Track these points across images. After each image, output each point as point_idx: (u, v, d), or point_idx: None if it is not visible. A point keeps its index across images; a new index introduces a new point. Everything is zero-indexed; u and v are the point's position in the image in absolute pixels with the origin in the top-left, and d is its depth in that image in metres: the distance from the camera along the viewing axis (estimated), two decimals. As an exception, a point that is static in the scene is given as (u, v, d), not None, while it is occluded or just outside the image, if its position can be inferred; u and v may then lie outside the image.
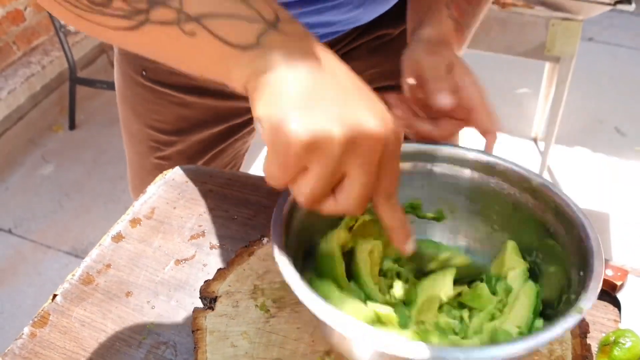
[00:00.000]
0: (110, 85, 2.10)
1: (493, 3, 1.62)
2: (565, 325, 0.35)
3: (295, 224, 0.42)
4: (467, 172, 0.49)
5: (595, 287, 0.37)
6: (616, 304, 0.55)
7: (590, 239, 0.40)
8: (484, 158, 0.48)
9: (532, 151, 2.14)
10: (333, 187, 0.36)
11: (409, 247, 0.41)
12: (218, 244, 0.62)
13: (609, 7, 1.45)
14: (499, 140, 0.52)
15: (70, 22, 0.42)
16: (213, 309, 0.46)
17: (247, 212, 0.66)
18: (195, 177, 0.72)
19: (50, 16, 2.27)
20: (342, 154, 0.34)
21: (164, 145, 0.87)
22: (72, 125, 2.24)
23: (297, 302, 0.36)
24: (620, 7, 1.41)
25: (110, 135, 2.20)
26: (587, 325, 0.49)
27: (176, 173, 0.73)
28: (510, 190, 0.47)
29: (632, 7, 1.44)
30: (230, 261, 0.51)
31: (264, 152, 0.37)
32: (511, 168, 0.47)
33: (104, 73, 2.44)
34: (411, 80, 0.54)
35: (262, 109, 0.35)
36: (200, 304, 0.52)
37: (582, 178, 2.03)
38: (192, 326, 0.45)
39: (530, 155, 2.11)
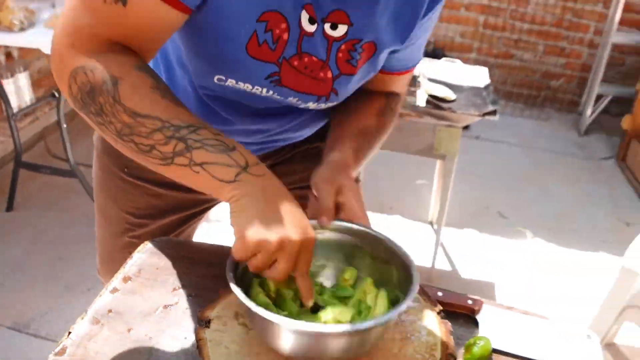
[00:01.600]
0: (54, 171, 2.27)
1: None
2: (399, 308, 0.62)
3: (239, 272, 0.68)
4: (342, 237, 0.77)
5: (413, 293, 0.65)
6: (475, 322, 0.84)
7: (412, 270, 0.68)
8: (348, 225, 0.76)
9: (429, 232, 2.50)
10: (270, 264, 0.64)
11: (310, 303, 0.69)
12: (195, 294, 0.85)
13: (478, 118, 1.86)
14: (400, 224, 0.81)
15: (127, 154, 0.69)
16: (209, 327, 0.70)
17: (215, 270, 0.90)
18: (170, 246, 0.95)
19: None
20: (274, 251, 0.62)
21: (137, 227, 1.08)
22: (9, 207, 2.35)
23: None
24: (488, 117, 1.83)
25: (47, 217, 2.33)
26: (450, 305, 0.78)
27: (154, 243, 0.96)
28: (367, 247, 0.76)
29: (497, 118, 1.86)
30: (218, 297, 0.76)
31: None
32: (365, 231, 0.76)
33: (41, 158, 2.60)
34: (314, 193, 0.80)
35: (233, 220, 0.64)
36: (185, 335, 0.74)
37: (472, 254, 2.40)
38: (196, 336, 0.68)
39: (427, 236, 2.46)
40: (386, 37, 0.81)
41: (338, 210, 0.77)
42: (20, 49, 2.49)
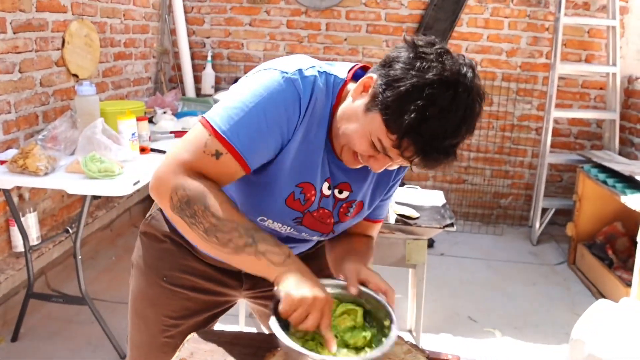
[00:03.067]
0: (66, 299, 2.46)
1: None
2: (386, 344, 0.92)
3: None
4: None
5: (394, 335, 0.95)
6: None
7: (393, 323, 0.99)
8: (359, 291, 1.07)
9: (409, 340, 2.72)
10: (303, 320, 0.94)
11: (334, 349, 0.97)
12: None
13: (440, 230, 2.21)
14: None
15: (201, 247, 1.01)
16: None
17: (250, 349, 1.14)
18: (211, 336, 1.19)
19: (10, 239, 2.67)
20: (310, 304, 0.93)
21: (172, 328, 1.32)
22: (14, 338, 2.49)
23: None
24: (447, 229, 2.17)
25: (52, 346, 2.47)
26: None
27: (199, 334, 1.20)
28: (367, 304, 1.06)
29: (454, 229, 2.20)
30: (263, 358, 1.01)
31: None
32: (367, 292, 1.07)
33: (41, 290, 2.77)
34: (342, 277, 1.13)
35: (282, 288, 0.95)
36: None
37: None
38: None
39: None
40: (370, 198, 1.22)
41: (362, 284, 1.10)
42: (31, 192, 2.78)
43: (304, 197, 1.12)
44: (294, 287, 0.94)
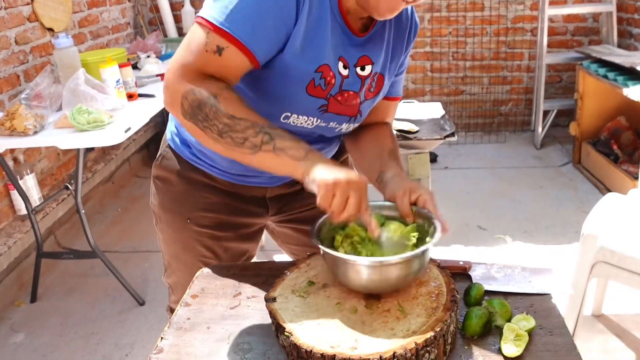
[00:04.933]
0: (77, 254, 2.47)
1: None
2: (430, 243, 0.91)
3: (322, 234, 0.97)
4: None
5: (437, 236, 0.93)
6: (468, 277, 1.09)
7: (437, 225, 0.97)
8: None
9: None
10: (344, 206, 0.90)
11: (377, 233, 0.95)
12: (251, 296, 1.08)
13: (441, 141, 2.17)
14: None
15: (217, 150, 0.98)
16: (275, 302, 0.93)
17: (260, 278, 1.13)
18: (220, 270, 1.18)
19: (12, 204, 2.66)
20: (346, 186, 0.89)
21: (206, 258, 1.30)
22: (33, 299, 2.52)
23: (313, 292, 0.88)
24: (448, 139, 2.13)
25: (71, 302, 2.51)
26: (448, 269, 1.03)
27: (207, 270, 1.19)
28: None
29: (455, 138, 2.16)
30: (275, 283, 1.00)
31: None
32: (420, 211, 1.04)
33: (52, 249, 2.80)
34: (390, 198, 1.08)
35: (312, 180, 0.90)
36: (251, 323, 0.97)
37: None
38: (268, 308, 0.92)
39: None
40: (389, 68, 1.16)
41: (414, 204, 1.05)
42: (25, 154, 2.74)
43: (325, 81, 1.05)
44: (324, 173, 0.90)
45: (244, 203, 1.27)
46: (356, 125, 1.20)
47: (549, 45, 3.99)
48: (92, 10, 3.54)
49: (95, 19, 3.58)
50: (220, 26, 0.94)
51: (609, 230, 1.72)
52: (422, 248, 0.92)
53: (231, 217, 1.27)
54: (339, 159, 1.37)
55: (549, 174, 3.61)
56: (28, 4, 2.85)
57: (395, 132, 2.26)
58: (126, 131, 2.13)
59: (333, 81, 1.06)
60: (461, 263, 1.12)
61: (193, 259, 1.29)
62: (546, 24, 3.75)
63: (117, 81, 2.43)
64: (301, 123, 1.11)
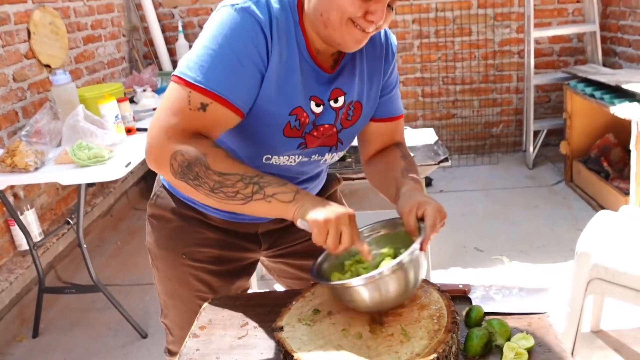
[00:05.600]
0: (79, 289, 2.48)
1: (364, 178, 2.32)
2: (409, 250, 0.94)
3: (322, 272, 1.00)
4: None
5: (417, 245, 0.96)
6: (469, 299, 1.12)
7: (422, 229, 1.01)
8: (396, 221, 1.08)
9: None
10: (338, 241, 0.95)
11: (370, 258, 0.99)
12: (258, 325, 1.11)
13: (435, 166, 2.21)
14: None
15: (210, 204, 1.01)
16: (283, 331, 0.96)
17: (265, 308, 1.16)
18: (226, 301, 1.21)
19: (12, 239, 2.68)
20: (336, 222, 0.93)
21: (202, 293, 1.32)
22: (35, 334, 2.52)
23: (319, 320, 0.91)
24: (442, 164, 2.18)
25: (73, 337, 2.51)
26: (448, 292, 1.06)
27: (213, 302, 1.22)
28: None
29: (449, 163, 2.21)
30: (281, 312, 1.03)
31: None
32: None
33: (53, 284, 2.80)
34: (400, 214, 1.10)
35: (305, 217, 0.95)
36: (261, 352, 1.00)
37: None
38: (275, 337, 0.95)
39: (419, 279, 2.73)
40: (366, 94, 1.19)
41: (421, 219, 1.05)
42: (25, 189, 2.76)
43: (299, 122, 1.10)
44: (314, 213, 0.94)
45: (237, 238, 1.31)
46: (340, 153, 1.24)
47: (536, 67, 4.08)
48: (88, 46, 3.61)
49: (91, 55, 3.64)
50: (199, 85, 0.98)
51: (602, 248, 1.76)
52: (398, 259, 0.93)
53: (225, 252, 1.31)
54: (325, 193, 1.41)
55: (542, 193, 3.67)
56: (25, 41, 2.91)
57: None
58: (127, 166, 2.17)
59: (307, 120, 1.11)
60: (461, 286, 1.15)
61: (189, 294, 1.32)
62: (532, 46, 3.85)
63: (116, 116, 2.48)
64: (283, 162, 1.16)
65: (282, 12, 1.03)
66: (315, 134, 1.14)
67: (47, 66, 3.09)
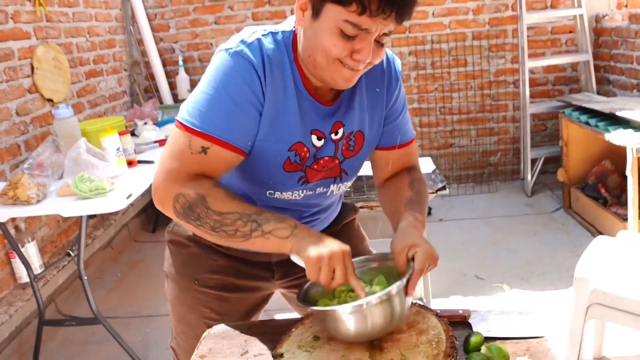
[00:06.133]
0: (79, 321, 2.47)
1: (363, 207, 2.34)
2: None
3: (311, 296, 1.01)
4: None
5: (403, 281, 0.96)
6: (468, 325, 1.13)
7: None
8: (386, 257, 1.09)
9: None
10: (331, 278, 0.95)
11: (363, 295, 0.99)
12: (258, 353, 1.11)
13: (433, 195, 2.23)
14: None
15: (213, 241, 1.04)
16: (282, 357, 0.97)
17: (266, 336, 1.17)
18: (224, 330, 1.22)
19: (13, 271, 2.68)
20: (329, 260, 0.95)
21: (211, 320, 1.33)
22: (34, 368, 2.51)
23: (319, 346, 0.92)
24: (440, 193, 2.20)
25: (72, 370, 2.50)
26: (447, 317, 1.07)
27: (213, 330, 1.22)
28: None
29: (447, 192, 2.23)
30: (281, 340, 1.03)
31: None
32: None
33: (53, 317, 2.79)
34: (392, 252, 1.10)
35: (300, 253, 0.97)
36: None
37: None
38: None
39: (420, 308, 2.72)
40: (368, 124, 1.20)
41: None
42: (26, 222, 2.78)
43: (299, 157, 1.13)
44: (308, 249, 0.96)
45: (250, 267, 1.33)
46: (348, 183, 1.26)
47: (531, 96, 4.14)
48: (90, 80, 3.67)
49: (93, 89, 3.70)
50: (199, 130, 1.03)
51: (601, 273, 1.76)
52: (387, 290, 0.94)
53: (238, 280, 1.33)
54: (340, 223, 1.42)
55: (541, 220, 3.68)
56: (28, 76, 2.96)
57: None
58: (128, 197, 2.19)
59: (307, 155, 1.14)
60: (460, 312, 1.16)
61: (198, 321, 1.33)
62: (527, 75, 3.91)
63: (117, 149, 2.51)
64: (288, 197, 1.19)
65: (276, 51, 1.07)
66: (315, 167, 1.17)
67: (50, 100, 3.14)
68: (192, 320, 1.34)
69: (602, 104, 3.33)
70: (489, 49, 4.23)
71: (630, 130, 2.87)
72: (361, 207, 2.34)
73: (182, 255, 1.33)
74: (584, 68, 4.02)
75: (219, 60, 1.06)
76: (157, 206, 1.08)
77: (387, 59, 1.21)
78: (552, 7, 4.14)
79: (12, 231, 2.63)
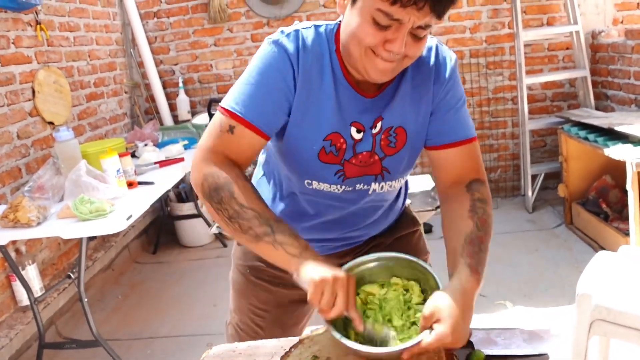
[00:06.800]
0: (79, 344, 2.46)
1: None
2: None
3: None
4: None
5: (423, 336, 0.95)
6: (470, 343, 1.12)
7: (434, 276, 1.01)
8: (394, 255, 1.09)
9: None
10: (332, 304, 0.95)
11: (361, 328, 0.98)
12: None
13: (433, 212, 2.23)
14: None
15: (227, 232, 1.05)
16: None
17: (266, 358, 1.16)
18: (227, 352, 1.21)
19: (13, 294, 2.67)
20: (332, 284, 0.94)
21: (259, 317, 1.41)
22: (34, 393, 2.48)
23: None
24: (440, 210, 2.19)
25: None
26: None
27: (214, 350, 1.21)
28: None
29: (448, 209, 2.22)
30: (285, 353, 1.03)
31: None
32: (403, 257, 1.08)
33: (53, 340, 2.77)
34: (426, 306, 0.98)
35: (303, 277, 0.96)
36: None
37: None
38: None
39: (422, 327, 2.70)
40: (411, 118, 1.14)
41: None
42: (27, 244, 2.78)
43: (335, 148, 1.13)
44: (312, 272, 0.96)
45: None
46: (393, 182, 1.20)
47: (530, 112, 4.16)
48: (91, 103, 3.69)
49: (94, 111, 3.73)
50: (230, 109, 1.09)
51: (604, 288, 1.75)
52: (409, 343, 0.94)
53: (287, 275, 1.30)
54: (396, 234, 1.40)
55: (543, 236, 3.67)
56: (30, 99, 2.98)
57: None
58: (128, 219, 2.19)
59: (344, 146, 1.13)
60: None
61: (245, 307, 1.42)
62: (525, 92, 3.93)
63: (118, 170, 2.52)
64: (326, 189, 1.18)
65: (315, 42, 1.10)
66: (354, 161, 1.15)
67: (51, 123, 3.16)
68: (241, 306, 1.43)
69: (600, 119, 3.34)
70: (486, 67, 4.26)
71: (629, 145, 2.88)
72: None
73: (242, 245, 1.41)
74: (581, 84, 4.04)
75: (261, 49, 1.12)
76: (192, 184, 1.11)
77: (437, 53, 1.16)
78: (549, 24, 4.18)
79: (12, 254, 2.62)
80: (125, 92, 4.25)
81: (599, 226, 3.31)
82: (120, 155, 2.64)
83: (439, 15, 0.96)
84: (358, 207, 1.25)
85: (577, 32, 3.91)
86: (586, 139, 3.23)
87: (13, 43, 2.87)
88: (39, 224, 2.23)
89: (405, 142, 1.15)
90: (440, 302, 0.96)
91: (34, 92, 3.00)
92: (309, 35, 1.10)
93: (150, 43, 4.31)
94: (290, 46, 1.08)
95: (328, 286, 0.94)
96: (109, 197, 2.35)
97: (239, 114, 1.08)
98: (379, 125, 1.13)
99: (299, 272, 0.98)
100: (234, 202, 1.03)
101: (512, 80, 4.28)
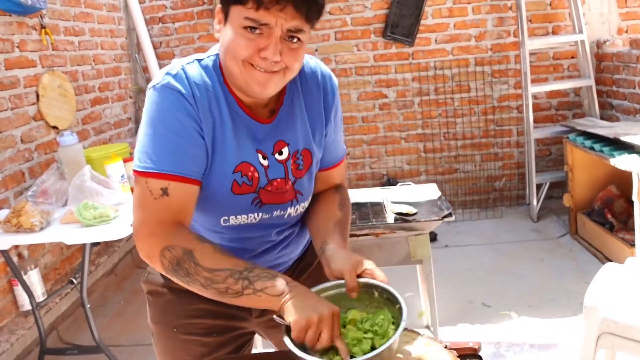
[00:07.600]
0: (80, 350, 2.44)
1: (368, 234, 2.33)
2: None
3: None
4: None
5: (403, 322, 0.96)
6: (479, 357, 1.11)
7: (402, 308, 0.99)
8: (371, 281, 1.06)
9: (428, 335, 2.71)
10: (317, 340, 0.94)
11: (348, 357, 0.95)
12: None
13: (439, 221, 2.22)
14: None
15: (210, 296, 1.01)
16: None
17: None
18: None
19: (15, 299, 2.66)
20: (317, 323, 0.93)
21: None
22: (35, 399, 2.47)
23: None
24: (446, 219, 2.18)
25: (73, 400, 2.45)
26: (457, 350, 1.04)
27: None
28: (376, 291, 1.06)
29: (453, 218, 2.21)
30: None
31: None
32: (373, 283, 1.05)
33: (55, 345, 2.75)
34: (337, 273, 1.08)
35: (289, 316, 0.95)
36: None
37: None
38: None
39: (426, 336, 2.67)
40: (313, 140, 1.20)
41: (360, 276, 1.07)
42: (29, 249, 2.77)
43: (247, 178, 1.11)
44: (298, 311, 0.94)
45: (228, 307, 1.27)
46: (305, 203, 1.24)
47: (535, 121, 4.15)
48: (95, 108, 3.69)
49: (98, 116, 3.72)
50: (151, 171, 1.02)
51: (611, 301, 1.74)
52: (388, 343, 0.94)
53: (217, 322, 1.29)
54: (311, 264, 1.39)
55: (548, 246, 3.64)
56: (34, 104, 2.98)
57: (394, 215, 2.32)
58: (131, 225, 2.17)
59: (257, 174, 1.12)
60: (470, 344, 1.13)
61: None
62: (530, 101, 3.92)
63: (122, 176, 2.51)
64: (243, 222, 1.16)
65: (203, 76, 1.07)
66: (269, 188, 1.15)
67: (55, 127, 3.15)
68: None
69: (606, 129, 3.32)
70: (491, 75, 4.25)
71: (635, 155, 2.86)
72: (366, 235, 2.33)
73: (159, 304, 1.30)
74: (586, 93, 4.03)
75: (149, 98, 1.06)
76: (145, 260, 1.05)
77: (322, 74, 1.21)
78: (554, 33, 4.17)
79: (15, 258, 2.61)
80: (130, 97, 4.25)
81: (604, 236, 3.29)
82: (125, 161, 2.64)
83: (307, 18, 1.00)
84: (279, 229, 1.25)
85: (582, 41, 3.90)
86: (592, 148, 3.21)
87: (17, 47, 2.87)
88: (41, 229, 2.22)
89: (311, 163, 1.21)
90: (344, 256, 1.09)
91: (38, 96, 3.00)
92: (194, 71, 1.07)
93: (155, 48, 4.31)
94: (181, 87, 1.04)
95: (313, 327, 0.93)
96: (113, 202, 2.34)
97: (165, 172, 1.02)
98: (285, 151, 1.16)
99: (284, 312, 0.97)
100: (201, 269, 0.99)
101: (517, 88, 4.26)
